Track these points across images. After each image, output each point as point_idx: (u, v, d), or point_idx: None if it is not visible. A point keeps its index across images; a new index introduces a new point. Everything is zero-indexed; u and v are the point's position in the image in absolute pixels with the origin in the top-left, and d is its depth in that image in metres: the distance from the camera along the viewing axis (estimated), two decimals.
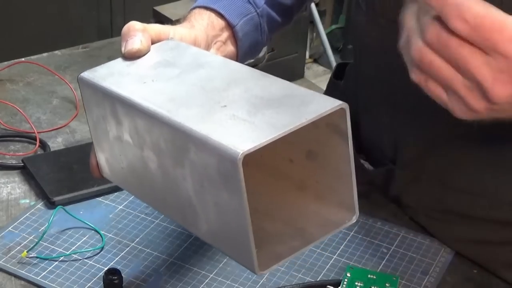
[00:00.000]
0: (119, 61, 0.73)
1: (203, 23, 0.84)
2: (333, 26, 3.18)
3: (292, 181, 0.68)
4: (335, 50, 3.05)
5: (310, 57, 3.15)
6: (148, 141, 0.65)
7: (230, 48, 0.87)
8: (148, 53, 0.73)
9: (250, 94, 0.63)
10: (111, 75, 0.71)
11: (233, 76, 0.67)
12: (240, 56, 0.89)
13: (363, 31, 0.92)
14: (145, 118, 0.65)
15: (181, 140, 0.61)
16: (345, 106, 0.60)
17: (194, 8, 0.86)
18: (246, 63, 0.93)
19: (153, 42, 0.75)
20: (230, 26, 0.86)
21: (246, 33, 0.88)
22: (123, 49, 0.73)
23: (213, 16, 0.85)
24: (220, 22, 0.85)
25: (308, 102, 0.60)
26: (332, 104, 0.60)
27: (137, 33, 0.73)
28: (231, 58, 0.86)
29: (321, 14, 3.06)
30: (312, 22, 2.97)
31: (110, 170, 0.74)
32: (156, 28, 0.76)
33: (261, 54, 2.55)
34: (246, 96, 0.63)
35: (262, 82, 0.65)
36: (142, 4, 2.38)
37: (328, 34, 3.02)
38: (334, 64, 2.93)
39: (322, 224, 0.65)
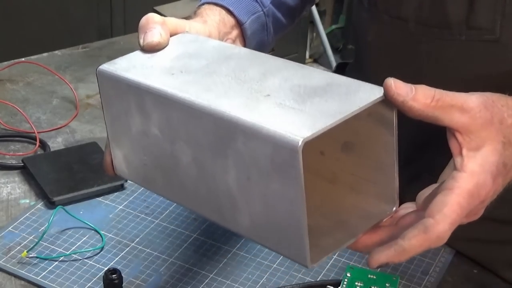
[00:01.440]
0: (138, 54, 0.71)
1: (215, 19, 0.83)
2: (333, 26, 3.18)
3: (322, 174, 0.66)
4: (335, 50, 3.05)
5: (310, 57, 3.15)
6: (183, 133, 0.63)
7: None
8: (168, 46, 0.71)
9: (291, 84, 0.61)
10: (134, 67, 0.68)
11: (265, 66, 0.65)
12: None
13: (365, 28, 0.92)
14: (181, 109, 0.62)
15: (225, 130, 0.59)
16: None
17: (203, 4, 0.86)
18: None
19: (170, 35, 0.73)
20: (239, 24, 0.86)
21: (253, 32, 0.88)
22: (141, 41, 0.71)
23: (223, 12, 0.85)
24: (230, 20, 0.85)
25: (355, 90, 0.59)
26: (380, 91, 0.59)
27: (156, 25, 0.71)
28: None
29: (321, 14, 3.06)
30: (312, 22, 2.98)
31: (128, 167, 0.72)
32: (173, 22, 0.74)
33: None
34: (287, 86, 0.61)
35: (299, 72, 0.63)
36: (142, 4, 2.38)
37: (328, 34, 3.03)
38: (334, 64, 2.93)
39: (362, 216, 0.63)
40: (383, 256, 0.60)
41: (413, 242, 0.59)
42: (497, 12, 0.77)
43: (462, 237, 0.88)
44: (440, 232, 0.59)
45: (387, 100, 0.59)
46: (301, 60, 2.95)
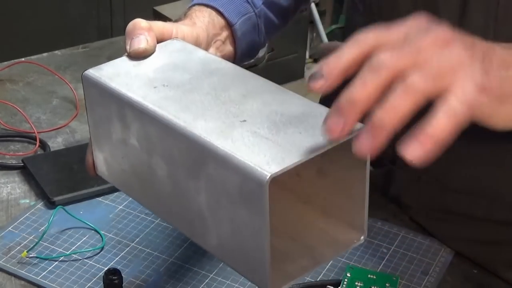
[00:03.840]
0: (124, 60, 0.71)
1: (204, 20, 0.83)
2: (333, 26, 3.18)
3: (297, 194, 0.66)
4: None
5: (310, 57, 3.15)
6: (159, 149, 0.64)
7: (229, 47, 0.87)
8: (154, 53, 0.72)
9: (268, 109, 0.62)
10: (118, 76, 0.68)
11: (247, 87, 0.65)
12: (238, 57, 0.88)
13: (360, 31, 0.92)
14: (158, 126, 0.63)
15: (198, 154, 0.60)
16: None
17: (194, 5, 0.86)
18: (245, 63, 0.93)
19: (157, 41, 0.74)
20: (229, 25, 0.86)
21: (244, 33, 0.88)
22: (128, 47, 0.71)
23: (213, 14, 0.85)
24: (220, 21, 0.85)
25: None
26: (354, 127, 0.59)
27: (143, 31, 0.71)
28: (229, 58, 0.86)
29: (321, 14, 3.06)
30: (312, 22, 2.98)
31: (108, 170, 0.73)
32: (160, 26, 0.74)
33: (260, 54, 2.56)
34: (264, 111, 0.61)
35: (279, 97, 0.63)
36: (142, 4, 2.38)
37: (328, 34, 3.03)
38: None
39: (330, 242, 0.64)
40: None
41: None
42: (490, 16, 0.76)
43: (462, 237, 0.89)
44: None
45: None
46: (301, 60, 2.95)
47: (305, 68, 3.02)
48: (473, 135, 0.70)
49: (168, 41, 0.74)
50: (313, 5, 2.87)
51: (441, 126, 0.54)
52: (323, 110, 0.61)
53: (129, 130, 0.67)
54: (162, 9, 2.26)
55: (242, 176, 0.56)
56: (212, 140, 0.59)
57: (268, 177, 0.54)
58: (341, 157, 0.60)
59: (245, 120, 0.61)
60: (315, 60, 3.17)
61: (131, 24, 0.73)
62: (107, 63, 0.71)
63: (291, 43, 2.79)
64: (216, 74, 0.68)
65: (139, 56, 0.71)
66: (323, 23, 3.02)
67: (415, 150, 0.53)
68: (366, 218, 0.63)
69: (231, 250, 0.61)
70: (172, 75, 0.68)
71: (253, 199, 0.56)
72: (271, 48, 2.66)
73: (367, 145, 0.54)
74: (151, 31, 0.72)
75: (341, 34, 3.16)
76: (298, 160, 0.56)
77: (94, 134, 0.72)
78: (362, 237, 0.63)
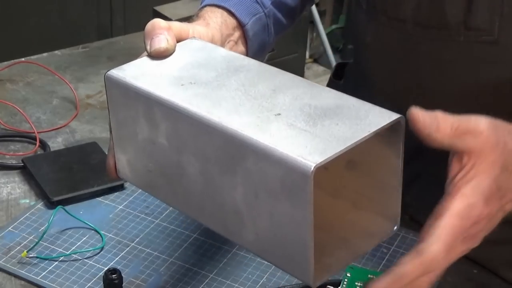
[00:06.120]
0: (146, 60, 0.70)
1: (217, 21, 0.82)
2: (333, 26, 3.18)
3: (324, 188, 0.66)
4: (335, 50, 3.05)
5: (310, 57, 3.15)
6: (191, 146, 0.63)
7: (241, 48, 0.86)
8: (175, 53, 0.71)
9: (301, 103, 0.61)
10: (143, 75, 0.68)
11: (275, 81, 0.65)
12: (250, 57, 0.88)
13: (363, 29, 0.92)
14: (190, 123, 0.62)
15: (236, 148, 0.59)
16: (402, 119, 0.60)
17: (205, 6, 0.86)
18: None
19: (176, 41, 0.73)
20: (240, 25, 0.85)
21: (255, 33, 0.88)
22: (148, 47, 0.70)
23: (225, 14, 0.84)
24: (232, 21, 0.85)
25: (364, 113, 0.60)
26: (390, 116, 0.60)
27: (162, 31, 0.71)
28: None
29: (321, 14, 3.06)
30: (312, 22, 2.98)
31: (132, 172, 0.72)
32: (177, 26, 0.74)
33: None
34: (297, 105, 0.61)
35: (308, 90, 0.63)
36: (142, 4, 2.38)
37: (328, 34, 3.03)
38: (334, 64, 2.93)
39: (363, 234, 0.63)
40: (381, 284, 0.60)
41: (408, 267, 0.59)
42: (495, 13, 0.77)
43: None
44: (434, 253, 0.59)
45: (400, 126, 0.60)
46: (301, 60, 2.95)
47: (305, 68, 3.02)
48: None
49: (187, 40, 0.74)
50: (313, 5, 2.87)
51: None
52: (355, 101, 0.61)
53: (157, 129, 0.66)
54: (162, 9, 2.26)
55: (285, 168, 0.56)
56: (250, 134, 0.58)
57: (313, 167, 0.54)
58: (373, 149, 0.60)
59: (279, 114, 0.60)
60: (315, 60, 3.18)
61: (150, 24, 0.72)
62: (128, 63, 0.70)
63: (291, 43, 2.79)
64: (242, 70, 0.67)
65: (160, 55, 0.70)
66: (323, 23, 3.02)
67: None
68: (399, 208, 0.63)
69: (269, 244, 0.60)
70: (197, 72, 0.67)
71: (296, 191, 0.55)
72: (271, 48, 2.66)
73: None
74: (170, 31, 0.71)
75: (341, 34, 3.16)
76: (340, 149, 0.56)
77: (116, 136, 0.71)
78: (395, 227, 0.63)
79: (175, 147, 0.65)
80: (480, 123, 0.62)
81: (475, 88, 0.82)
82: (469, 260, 0.88)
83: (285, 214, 0.57)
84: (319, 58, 3.15)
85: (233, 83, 0.65)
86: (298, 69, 2.95)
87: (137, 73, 0.68)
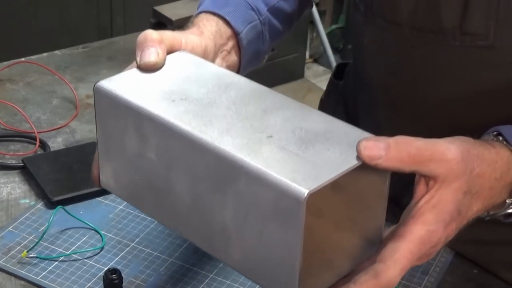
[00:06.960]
0: (135, 72, 0.70)
1: (211, 30, 0.82)
2: (333, 26, 3.19)
3: (311, 210, 0.66)
4: (335, 50, 3.05)
5: (310, 57, 3.15)
6: (181, 163, 0.63)
7: (234, 57, 0.86)
8: (165, 66, 0.71)
9: (292, 125, 0.62)
10: (133, 88, 0.67)
11: (266, 102, 0.65)
12: (243, 66, 0.88)
13: (361, 31, 0.92)
14: (182, 141, 0.62)
15: (228, 170, 0.59)
16: None
17: (201, 12, 0.85)
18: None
19: (167, 53, 0.73)
20: (235, 34, 0.85)
21: (249, 42, 0.87)
22: (138, 59, 0.70)
23: (220, 23, 0.84)
24: (227, 30, 0.84)
25: (354, 139, 0.60)
26: None
27: (154, 43, 0.70)
28: (234, 67, 0.85)
29: (321, 14, 3.06)
30: (312, 22, 2.98)
31: (116, 183, 0.71)
32: (170, 37, 0.73)
33: None
34: (289, 127, 0.62)
35: (299, 112, 0.64)
36: (142, 4, 2.38)
37: (328, 34, 3.03)
38: (334, 64, 2.93)
39: (345, 255, 0.63)
40: None
41: (364, 287, 0.60)
42: (491, 17, 0.77)
43: (461, 238, 0.89)
44: (391, 277, 0.60)
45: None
46: (301, 60, 2.95)
47: (305, 68, 3.02)
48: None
49: (176, 53, 0.73)
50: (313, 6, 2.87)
51: None
52: (345, 126, 0.62)
53: (146, 144, 0.65)
54: (162, 9, 2.26)
55: (278, 192, 0.56)
56: (243, 156, 0.58)
57: (306, 194, 0.54)
58: (362, 173, 0.60)
59: (271, 136, 0.61)
60: (315, 60, 3.18)
61: (142, 36, 0.72)
62: (117, 75, 0.69)
63: (291, 43, 2.79)
64: (232, 88, 0.67)
65: (149, 68, 0.70)
66: (323, 23, 3.03)
67: None
68: (381, 232, 0.63)
69: (255, 263, 0.61)
70: (188, 88, 0.67)
71: (288, 215, 0.56)
72: (271, 48, 2.66)
73: None
74: (162, 44, 0.71)
75: (341, 34, 3.16)
76: (333, 176, 0.56)
77: (103, 146, 0.71)
78: (375, 250, 0.63)
79: (164, 163, 0.65)
80: (449, 152, 0.61)
81: (471, 92, 0.82)
82: (469, 260, 0.88)
83: (274, 236, 0.58)
84: (319, 58, 3.15)
85: (224, 101, 0.65)
86: (298, 69, 2.95)
87: (127, 85, 0.68)
